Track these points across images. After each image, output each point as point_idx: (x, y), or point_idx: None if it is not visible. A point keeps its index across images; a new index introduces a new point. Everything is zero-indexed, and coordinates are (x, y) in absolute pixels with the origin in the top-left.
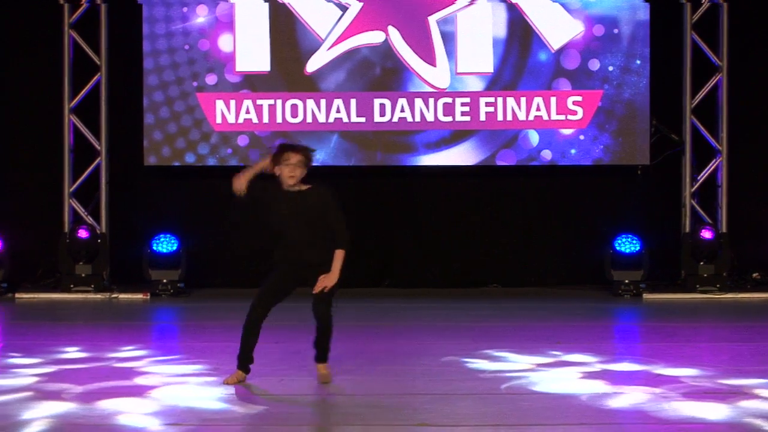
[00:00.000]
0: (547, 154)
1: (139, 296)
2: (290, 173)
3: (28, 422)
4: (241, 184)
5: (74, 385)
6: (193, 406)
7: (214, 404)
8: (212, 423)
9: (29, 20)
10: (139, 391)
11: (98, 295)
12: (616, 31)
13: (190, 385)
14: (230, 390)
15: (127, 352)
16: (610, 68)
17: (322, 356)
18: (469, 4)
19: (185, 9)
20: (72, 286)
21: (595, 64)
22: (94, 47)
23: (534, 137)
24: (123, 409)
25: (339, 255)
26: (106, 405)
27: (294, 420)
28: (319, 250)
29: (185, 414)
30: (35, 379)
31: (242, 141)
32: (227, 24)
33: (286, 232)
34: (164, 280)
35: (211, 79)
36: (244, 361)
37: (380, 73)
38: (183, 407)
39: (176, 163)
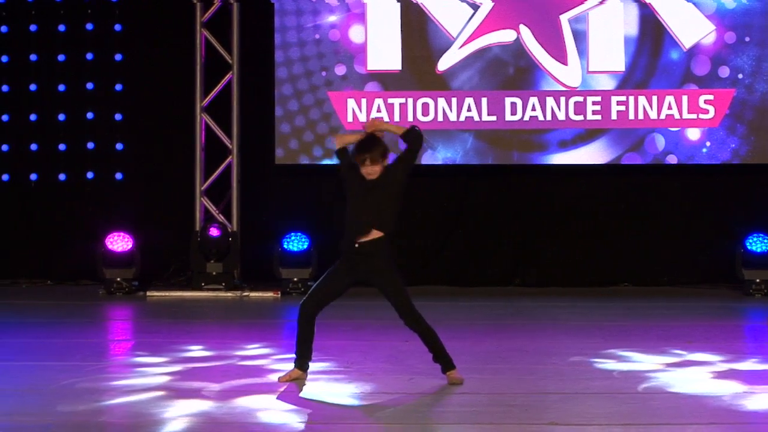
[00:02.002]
0: (672, 159)
1: (270, 294)
2: (368, 172)
3: (167, 420)
4: (341, 141)
5: (209, 383)
6: (327, 401)
7: (348, 401)
8: (348, 421)
9: (162, 19)
10: (274, 389)
11: (229, 294)
12: (747, 39)
13: (321, 382)
14: (362, 388)
15: (258, 350)
16: (740, 75)
17: (446, 365)
18: (599, 3)
19: (317, 5)
20: (203, 284)
21: (725, 71)
22: (226, 46)
23: (660, 141)
24: (261, 406)
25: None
26: (243, 402)
27: (423, 419)
28: (373, 240)
29: (321, 411)
30: (168, 377)
31: None
32: (359, 16)
33: (351, 215)
34: (295, 279)
35: (340, 70)
36: (304, 359)
37: (511, 72)
38: (317, 404)
39: (306, 161)
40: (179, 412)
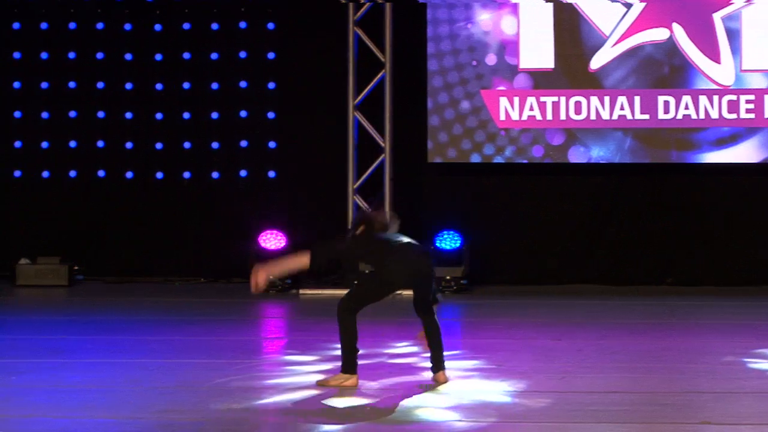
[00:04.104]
0: None
1: None
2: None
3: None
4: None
5: (363, 381)
6: (486, 400)
7: (500, 399)
8: (502, 419)
9: (314, 18)
10: (430, 387)
11: None
12: None
13: (474, 380)
14: (514, 386)
15: (411, 348)
16: None
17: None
18: (747, 3)
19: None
20: (355, 282)
21: None
22: (379, 44)
23: None
24: (418, 403)
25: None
26: (398, 400)
27: (576, 417)
28: None
29: (480, 408)
30: (321, 375)
31: (525, 138)
32: (511, 9)
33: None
34: (447, 277)
35: (490, 60)
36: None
37: (664, 71)
38: (471, 402)
39: (454, 154)
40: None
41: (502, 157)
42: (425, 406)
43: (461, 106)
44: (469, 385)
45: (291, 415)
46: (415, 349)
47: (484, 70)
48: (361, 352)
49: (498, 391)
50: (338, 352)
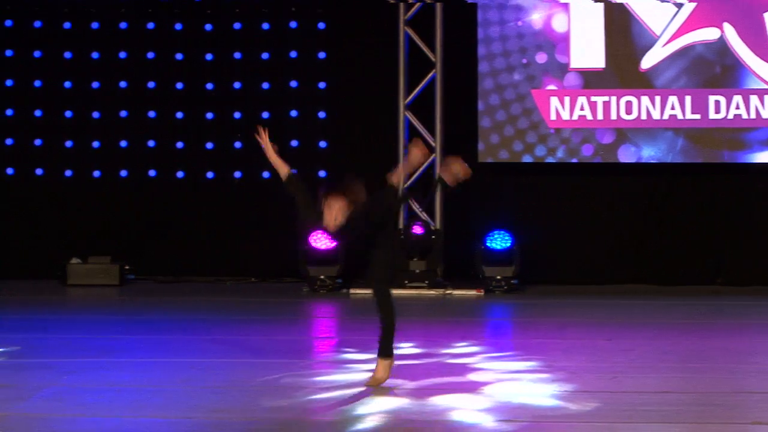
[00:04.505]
0: None
1: (473, 292)
2: (331, 219)
3: (362, 417)
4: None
5: (407, 380)
6: (526, 402)
7: (547, 401)
8: (545, 419)
9: (365, 17)
10: (472, 388)
11: (432, 291)
12: None
13: (523, 381)
14: (565, 387)
15: (460, 348)
16: None
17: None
18: None
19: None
20: (406, 282)
21: None
22: (429, 44)
23: None
24: (456, 405)
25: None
26: (439, 401)
27: (627, 417)
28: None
29: (518, 410)
30: (370, 374)
31: (576, 137)
32: (562, 8)
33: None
34: (498, 277)
35: (541, 58)
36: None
37: (715, 70)
38: (516, 404)
39: (506, 156)
40: (373, 409)
41: (553, 157)
42: (460, 408)
43: (512, 107)
44: (514, 386)
45: (336, 414)
46: (470, 349)
47: (535, 68)
48: (413, 351)
49: (548, 390)
50: (397, 351)
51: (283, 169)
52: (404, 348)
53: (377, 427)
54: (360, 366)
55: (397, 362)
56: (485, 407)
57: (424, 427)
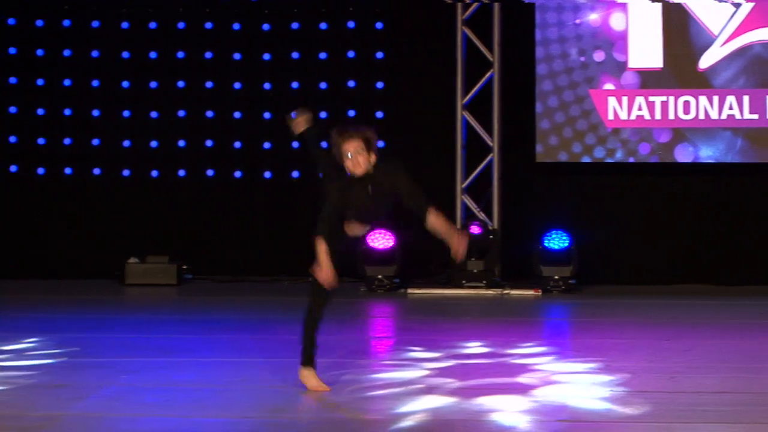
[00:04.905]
0: None
1: (531, 292)
2: (352, 165)
3: (403, 416)
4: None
5: (455, 380)
6: (571, 404)
7: (595, 403)
8: (601, 420)
9: (422, 17)
10: (520, 388)
11: (489, 291)
12: None
13: (575, 383)
14: (622, 387)
15: (518, 348)
16: None
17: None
18: None
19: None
20: (464, 281)
21: None
22: (487, 43)
23: None
24: (498, 406)
25: (440, 218)
26: (484, 401)
27: (684, 417)
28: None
29: (570, 411)
30: (425, 373)
31: (633, 137)
32: (620, 8)
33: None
34: (555, 276)
35: (599, 56)
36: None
37: None
38: (558, 405)
39: (565, 158)
40: (417, 408)
41: (611, 158)
42: (501, 410)
43: (570, 108)
44: (571, 388)
45: (378, 413)
46: (533, 350)
47: (592, 66)
48: (470, 351)
49: (605, 390)
50: (447, 351)
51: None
52: (463, 348)
53: (411, 426)
54: (416, 365)
55: (453, 361)
56: (526, 408)
57: (456, 426)
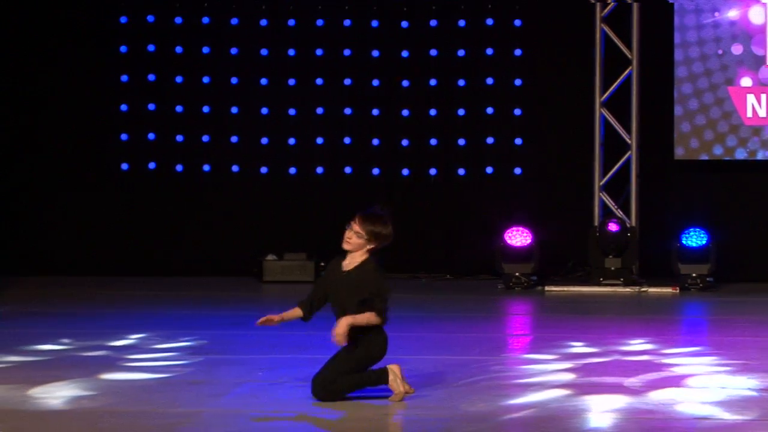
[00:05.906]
0: None
1: (669, 290)
2: (346, 236)
3: (579, 415)
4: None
5: (614, 377)
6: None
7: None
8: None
9: (560, 14)
10: (680, 383)
11: (627, 289)
12: None
13: (721, 377)
14: (763, 384)
15: (655, 345)
16: None
17: None
18: None
19: (715, 2)
20: (601, 279)
21: None
22: (625, 41)
23: None
24: (674, 399)
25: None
26: (655, 396)
27: None
28: None
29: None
30: (567, 373)
31: None
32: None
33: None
34: (693, 274)
35: (736, 49)
36: None
37: None
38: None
39: (705, 157)
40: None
41: (745, 153)
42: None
43: (709, 107)
44: (716, 381)
45: (532, 412)
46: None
47: (730, 61)
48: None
49: (744, 388)
50: (581, 350)
51: (297, 313)
52: (592, 346)
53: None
54: (553, 365)
55: (593, 360)
56: (706, 401)
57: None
